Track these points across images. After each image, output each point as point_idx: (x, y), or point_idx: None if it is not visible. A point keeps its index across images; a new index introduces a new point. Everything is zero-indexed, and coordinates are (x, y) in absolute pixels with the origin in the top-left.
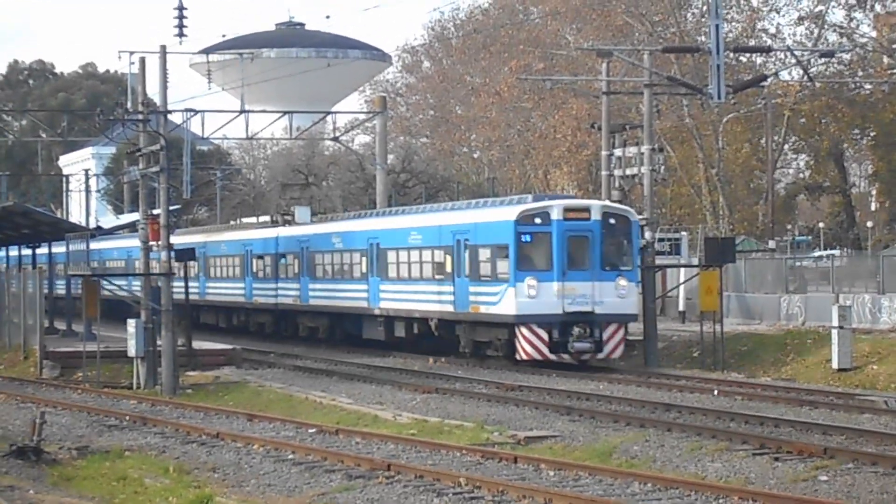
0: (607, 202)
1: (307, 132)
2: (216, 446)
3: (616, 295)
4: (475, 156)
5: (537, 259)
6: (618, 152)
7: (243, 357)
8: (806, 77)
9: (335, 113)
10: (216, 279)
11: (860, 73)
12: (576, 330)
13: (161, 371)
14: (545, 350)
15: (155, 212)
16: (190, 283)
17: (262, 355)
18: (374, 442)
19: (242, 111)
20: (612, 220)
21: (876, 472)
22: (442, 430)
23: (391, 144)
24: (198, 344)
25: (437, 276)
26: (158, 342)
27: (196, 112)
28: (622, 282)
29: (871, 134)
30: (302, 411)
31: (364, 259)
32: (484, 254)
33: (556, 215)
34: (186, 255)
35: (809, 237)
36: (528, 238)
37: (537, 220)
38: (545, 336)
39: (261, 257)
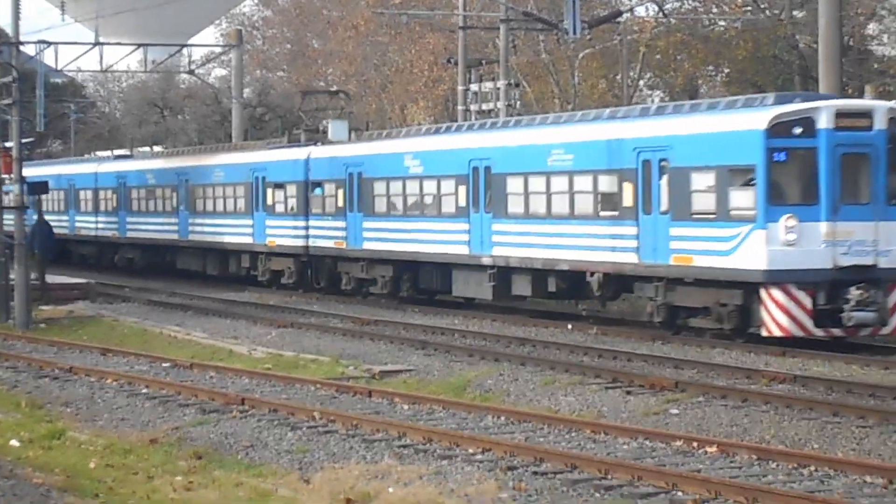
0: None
1: (163, 65)
2: (69, 381)
3: None
4: (332, 90)
5: (794, 188)
6: (474, 87)
7: (98, 291)
8: (661, 13)
9: (191, 46)
10: (202, 214)
11: (714, 10)
12: (854, 293)
13: (14, 305)
14: (807, 323)
15: (7, 144)
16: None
17: (117, 289)
18: (229, 376)
19: (97, 43)
20: None
21: (725, 405)
22: (297, 365)
23: (248, 78)
24: (52, 278)
25: (602, 214)
26: (12, 276)
27: (49, 44)
28: None
29: (725, 71)
30: (156, 346)
31: (462, 189)
32: (702, 180)
33: (824, 122)
34: (39, 188)
35: None
36: (781, 157)
37: (797, 131)
38: (807, 302)
39: (280, 186)
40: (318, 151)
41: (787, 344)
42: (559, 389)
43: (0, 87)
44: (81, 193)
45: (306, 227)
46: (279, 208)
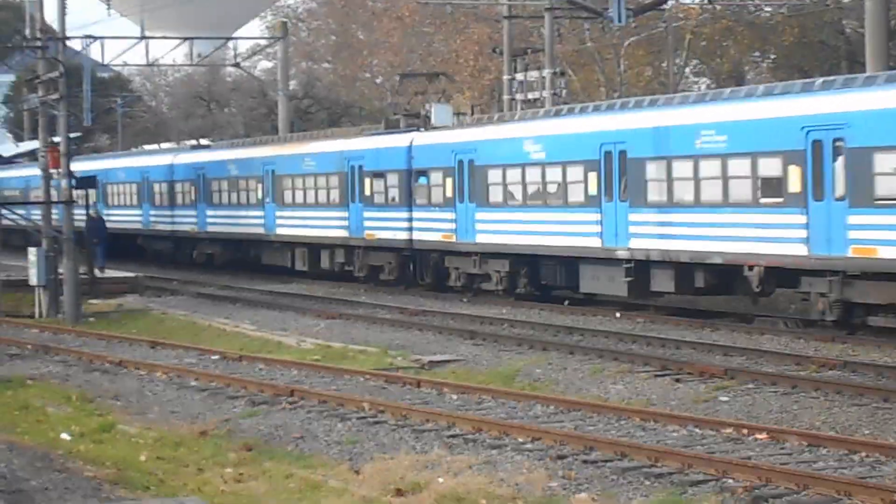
0: None
1: (208, 58)
2: (119, 374)
3: None
4: (377, 81)
5: None
6: (519, 77)
7: (146, 285)
8: (706, 0)
9: (236, 39)
10: (290, 206)
11: None
12: None
13: (63, 300)
14: None
15: (55, 139)
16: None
17: (165, 282)
18: (278, 368)
19: (142, 37)
20: None
21: (775, 392)
22: (345, 356)
23: (293, 70)
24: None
25: (764, 201)
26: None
27: (95, 38)
28: None
29: (772, 57)
30: (205, 338)
31: (593, 176)
32: (888, 162)
33: None
34: (87, 182)
35: None
36: None
37: None
38: None
39: (379, 175)
40: (422, 138)
41: (836, 330)
42: (608, 378)
43: (47, 83)
44: (156, 186)
45: (410, 219)
46: (378, 199)
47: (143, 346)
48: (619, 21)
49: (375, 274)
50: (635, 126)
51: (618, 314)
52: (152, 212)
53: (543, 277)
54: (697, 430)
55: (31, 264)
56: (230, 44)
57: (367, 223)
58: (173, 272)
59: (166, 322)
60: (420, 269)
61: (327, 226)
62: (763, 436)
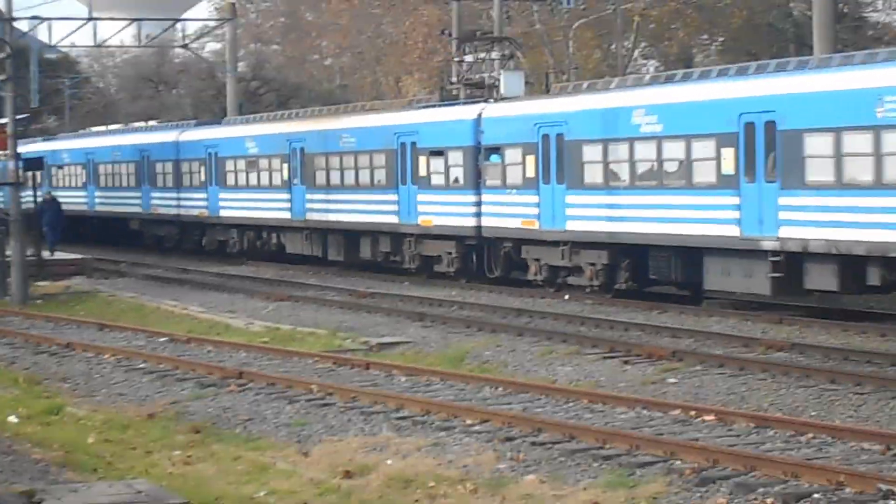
0: None
1: (157, 39)
2: (67, 356)
3: None
4: (326, 63)
5: None
6: (468, 59)
7: (95, 267)
8: None
9: (185, 20)
10: (323, 188)
11: None
12: None
13: (10, 281)
14: None
15: (1, 121)
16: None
17: (113, 264)
18: (226, 350)
19: (90, 18)
20: None
21: (723, 374)
22: (294, 338)
23: (242, 52)
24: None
25: None
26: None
27: (43, 19)
28: None
29: (720, 39)
30: (153, 320)
31: (728, 152)
32: None
33: None
34: (35, 164)
35: None
36: None
37: None
38: None
39: (437, 153)
40: (493, 109)
41: (783, 311)
42: (557, 360)
43: None
44: (158, 166)
45: (477, 203)
46: (437, 180)
47: (91, 329)
48: (568, 3)
49: (429, 265)
50: (790, 91)
51: (566, 296)
52: (154, 194)
53: (653, 271)
54: (646, 411)
55: None
56: (178, 25)
57: (421, 208)
58: (121, 254)
59: (114, 304)
60: (490, 260)
61: (371, 210)
62: (711, 417)
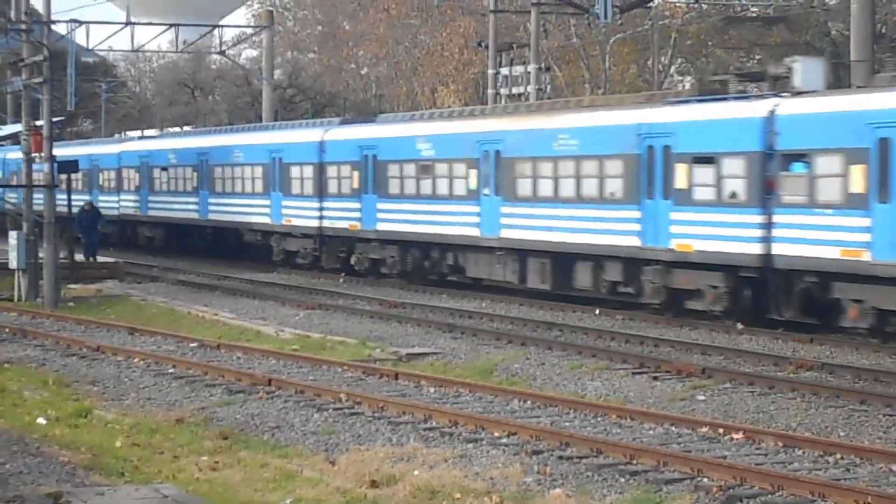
0: None
1: (193, 45)
2: (97, 360)
3: None
4: (362, 72)
5: None
6: (504, 71)
7: (126, 271)
8: None
9: (222, 27)
10: (531, 201)
11: None
12: None
13: (42, 284)
14: None
15: (38, 123)
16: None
17: (146, 269)
18: (256, 357)
19: (128, 23)
20: None
21: (752, 392)
22: (324, 346)
23: (278, 59)
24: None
25: None
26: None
27: (81, 23)
28: None
29: (757, 57)
30: (184, 326)
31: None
32: None
33: None
34: (69, 167)
35: None
36: None
37: None
38: None
39: (706, 160)
40: (793, 105)
41: (814, 331)
42: (585, 374)
43: (31, 66)
44: (294, 170)
45: (767, 226)
46: (703, 194)
47: (121, 332)
48: (605, 18)
49: (677, 300)
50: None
51: (597, 311)
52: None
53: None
54: (674, 428)
55: (12, 248)
56: (216, 31)
57: (675, 228)
58: (154, 259)
59: (145, 309)
60: (780, 297)
61: (595, 229)
62: (739, 435)
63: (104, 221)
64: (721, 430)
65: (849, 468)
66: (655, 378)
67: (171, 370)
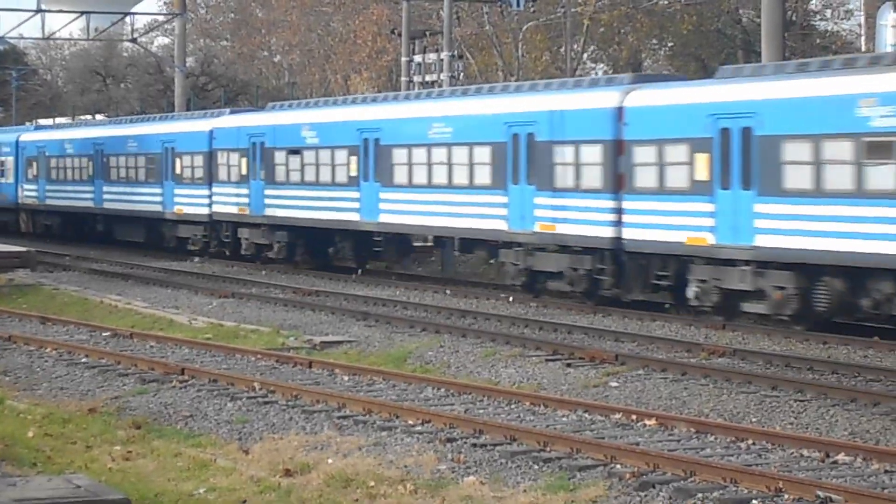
0: None
1: (105, 33)
2: (8, 349)
3: None
4: (275, 60)
5: None
6: (417, 59)
7: (38, 260)
8: None
9: (134, 14)
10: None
11: None
12: None
13: None
14: None
15: None
16: None
17: (57, 258)
18: (169, 346)
19: (38, 10)
20: None
21: (665, 378)
22: (237, 335)
23: (190, 47)
24: None
25: None
26: None
27: None
28: None
29: (669, 45)
30: (97, 315)
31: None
32: None
33: None
34: None
35: None
36: None
37: None
38: None
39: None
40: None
41: (726, 317)
42: (499, 361)
43: None
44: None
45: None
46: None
47: (33, 322)
48: (518, 6)
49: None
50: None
51: (510, 298)
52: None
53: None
54: (587, 415)
55: None
56: (127, 19)
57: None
58: (66, 247)
59: (57, 298)
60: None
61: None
62: (652, 422)
63: None
64: (634, 417)
65: (760, 454)
66: (569, 365)
67: (83, 360)
